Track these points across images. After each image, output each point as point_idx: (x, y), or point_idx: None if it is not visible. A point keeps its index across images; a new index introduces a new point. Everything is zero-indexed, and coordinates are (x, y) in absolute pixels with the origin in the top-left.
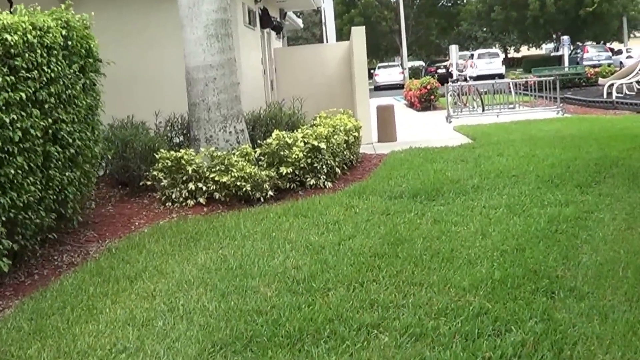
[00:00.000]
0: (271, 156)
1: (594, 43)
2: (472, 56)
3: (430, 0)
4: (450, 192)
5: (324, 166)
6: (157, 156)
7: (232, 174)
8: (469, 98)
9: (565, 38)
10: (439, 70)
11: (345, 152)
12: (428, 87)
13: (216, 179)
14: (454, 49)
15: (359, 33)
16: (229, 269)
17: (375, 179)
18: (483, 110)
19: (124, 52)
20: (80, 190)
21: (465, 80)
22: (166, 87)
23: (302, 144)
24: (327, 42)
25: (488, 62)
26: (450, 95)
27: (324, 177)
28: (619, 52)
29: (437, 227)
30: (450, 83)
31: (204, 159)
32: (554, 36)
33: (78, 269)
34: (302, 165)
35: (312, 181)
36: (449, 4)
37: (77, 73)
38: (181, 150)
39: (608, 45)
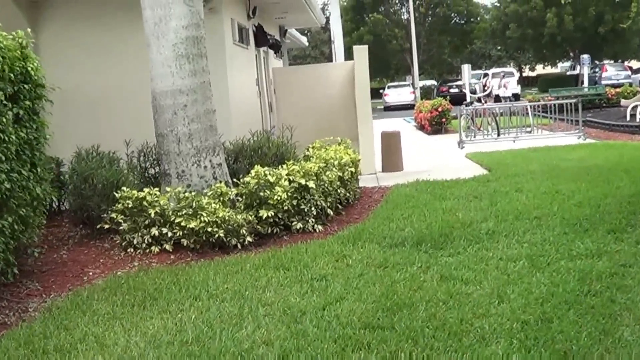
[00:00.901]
0: (250, 197)
1: (612, 61)
2: (504, 75)
3: (442, 18)
4: (461, 239)
5: (313, 208)
6: (117, 195)
7: (202, 219)
8: (483, 121)
9: (585, 57)
10: (452, 90)
11: (340, 190)
12: (439, 109)
13: (182, 224)
14: (466, 68)
15: (361, 52)
16: (184, 343)
17: (374, 220)
18: (498, 135)
19: (95, 73)
20: (14, 238)
21: (479, 100)
22: (143, 112)
23: (286, 183)
24: (335, 61)
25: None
26: (463, 119)
27: (313, 220)
28: (638, 70)
29: (444, 286)
30: (463, 106)
31: (170, 199)
32: (572, 54)
33: (7, 333)
34: (286, 208)
35: (299, 225)
36: (462, 22)
37: (5, 102)
38: (144, 189)
39: (627, 63)
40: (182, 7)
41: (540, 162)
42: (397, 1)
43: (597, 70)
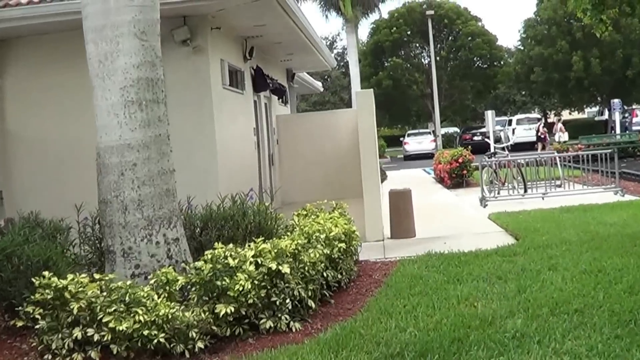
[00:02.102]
0: (204, 287)
1: None
2: (560, 119)
3: (464, 62)
4: (480, 347)
5: (288, 300)
6: (35, 282)
7: (137, 317)
8: (507, 172)
9: (616, 101)
10: (475, 138)
11: (327, 273)
12: (460, 160)
13: (111, 325)
14: (490, 114)
15: (364, 97)
16: None
17: (368, 314)
18: (525, 191)
19: (60, 121)
20: None
21: (504, 150)
22: None
23: (252, 268)
24: (354, 106)
25: (527, 128)
26: (486, 172)
27: (288, 316)
28: None
29: None
30: (485, 158)
31: (106, 288)
32: (599, 99)
33: None
34: (251, 301)
35: (269, 323)
36: (485, 66)
37: None
38: (70, 275)
39: None
40: (132, 42)
41: (576, 228)
42: (417, 45)
43: (627, 115)
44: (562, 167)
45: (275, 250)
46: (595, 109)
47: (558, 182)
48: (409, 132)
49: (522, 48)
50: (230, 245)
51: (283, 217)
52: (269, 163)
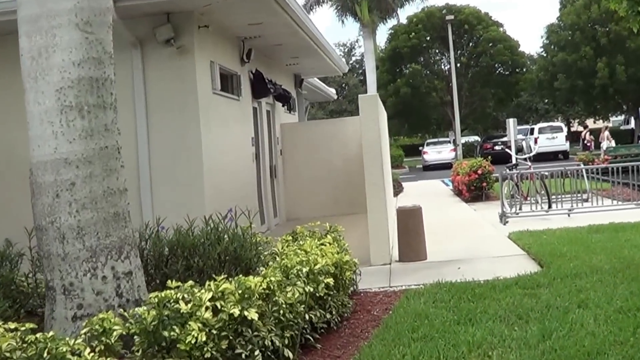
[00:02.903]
0: (148, 338)
1: None
2: (607, 127)
3: (485, 68)
4: None
5: (257, 351)
6: None
7: None
8: (530, 185)
9: None
10: (496, 147)
11: (312, 314)
12: (479, 171)
13: None
14: (511, 122)
15: (368, 103)
16: None
17: None
18: (549, 206)
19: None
20: None
21: (527, 160)
22: None
23: (209, 315)
24: None
25: (550, 137)
26: (506, 186)
27: None
28: None
29: None
30: (506, 170)
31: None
32: (625, 107)
33: None
34: (209, 355)
35: None
36: (507, 73)
37: None
38: None
39: None
40: (73, 34)
41: (608, 252)
42: (436, 51)
43: None
44: (589, 180)
45: (241, 291)
46: (621, 117)
47: (585, 196)
48: (428, 141)
49: (544, 54)
50: (189, 284)
51: (271, 240)
52: (270, 176)
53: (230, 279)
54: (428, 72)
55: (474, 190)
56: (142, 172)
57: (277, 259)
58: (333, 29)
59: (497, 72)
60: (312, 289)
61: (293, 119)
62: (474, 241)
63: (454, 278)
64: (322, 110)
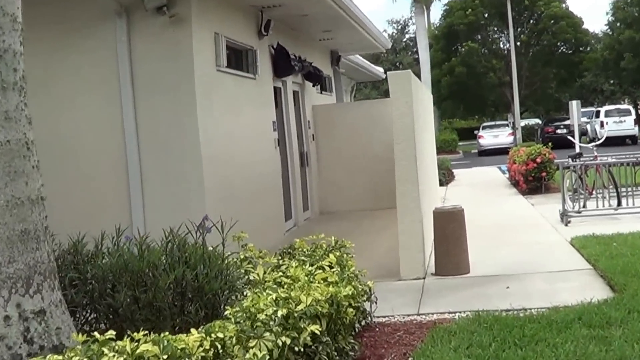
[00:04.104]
0: None
1: None
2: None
3: (547, 47)
4: None
5: None
6: None
7: None
8: (596, 177)
9: None
10: (559, 131)
11: None
12: (538, 160)
13: None
14: (574, 105)
15: (400, 81)
16: None
17: None
18: (619, 203)
19: None
20: None
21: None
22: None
23: None
24: None
25: (617, 120)
26: (568, 178)
27: None
28: None
29: None
30: (568, 160)
31: None
32: None
33: None
34: None
35: None
36: (570, 52)
37: None
38: None
39: None
40: None
41: None
42: (495, 28)
43: None
44: None
45: (167, 356)
46: None
47: None
48: (484, 124)
49: (610, 32)
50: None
51: (267, 255)
52: (300, 164)
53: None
54: (485, 50)
55: (532, 181)
56: (130, 165)
57: (249, 295)
58: (385, 5)
59: (560, 51)
60: (289, 341)
61: (329, 100)
62: (529, 248)
63: (500, 303)
64: (375, 90)
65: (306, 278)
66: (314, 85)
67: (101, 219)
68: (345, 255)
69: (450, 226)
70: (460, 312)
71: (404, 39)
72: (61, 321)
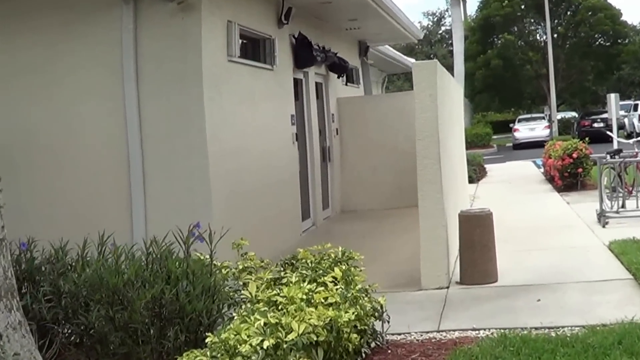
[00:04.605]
0: None
1: None
2: None
3: (584, 39)
4: None
5: None
6: None
7: None
8: (636, 174)
9: None
10: (595, 125)
11: None
12: (574, 155)
13: None
14: (612, 98)
15: (424, 72)
16: None
17: None
18: None
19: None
20: None
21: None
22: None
23: None
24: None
25: None
26: (606, 176)
27: None
28: None
29: None
30: (607, 157)
31: None
32: None
33: None
34: None
35: None
36: (607, 44)
37: None
38: None
39: None
40: None
41: None
42: (531, 20)
43: None
44: None
45: None
46: None
47: None
48: (520, 117)
49: None
50: None
51: (270, 264)
52: (323, 159)
53: None
54: (522, 42)
55: (568, 177)
56: (132, 161)
57: (235, 319)
58: None
59: (597, 43)
60: None
61: (356, 92)
62: (563, 253)
63: (529, 319)
64: (408, 81)
65: (304, 297)
66: (339, 77)
67: (100, 219)
68: (352, 269)
69: (476, 231)
70: (484, 330)
71: (440, 31)
72: (20, 346)
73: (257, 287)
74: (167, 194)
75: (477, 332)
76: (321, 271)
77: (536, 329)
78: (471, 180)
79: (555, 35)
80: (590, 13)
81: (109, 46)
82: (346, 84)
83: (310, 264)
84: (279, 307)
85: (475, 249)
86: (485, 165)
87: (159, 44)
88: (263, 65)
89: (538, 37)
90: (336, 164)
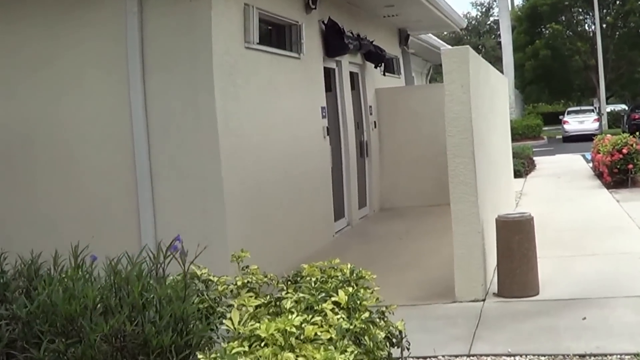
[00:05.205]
0: None
1: None
2: None
3: (634, 30)
4: None
5: None
6: None
7: None
8: None
9: None
10: None
11: None
12: (624, 150)
13: None
14: None
15: (456, 59)
16: None
17: None
18: None
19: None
20: None
21: None
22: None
23: None
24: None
25: None
26: None
27: None
28: None
29: None
30: None
31: None
32: None
33: None
34: None
35: None
36: None
37: None
38: None
39: None
40: None
41: None
42: (580, 10)
43: None
44: None
45: None
46: None
47: None
48: (570, 109)
49: None
50: None
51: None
52: (361, 155)
53: None
54: (570, 33)
55: (618, 174)
56: (138, 158)
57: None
58: None
59: None
60: None
61: (397, 83)
62: (613, 260)
63: (572, 344)
64: None
65: (294, 331)
66: (376, 67)
67: (105, 221)
68: (363, 290)
69: (515, 238)
70: (521, 356)
71: (488, 22)
72: None
73: (240, 319)
74: (177, 195)
75: (512, 358)
76: (323, 294)
77: (580, 357)
78: (519, 174)
79: (604, 25)
80: None
81: (112, 31)
82: (384, 74)
83: (313, 284)
84: (263, 344)
85: (514, 258)
86: (535, 158)
87: (167, 29)
88: (288, 53)
89: (587, 27)
90: (374, 159)
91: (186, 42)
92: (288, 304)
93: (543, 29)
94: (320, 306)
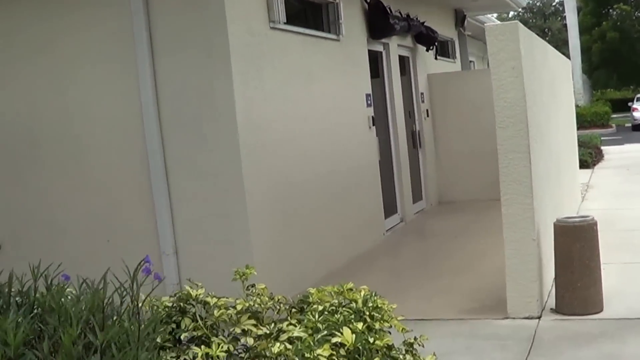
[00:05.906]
0: None
1: None
2: None
3: None
4: None
5: None
6: None
7: None
8: None
9: None
10: None
11: None
12: None
13: None
14: None
15: (504, 36)
16: None
17: None
18: None
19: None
20: None
21: None
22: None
23: None
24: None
25: None
26: None
27: None
28: None
29: None
30: None
31: None
32: None
33: None
34: None
35: None
36: None
37: None
38: None
39: None
40: None
41: None
42: None
43: None
44: None
45: None
46: None
47: None
48: (639, 95)
49: None
50: None
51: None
52: (414, 146)
53: None
54: (639, 14)
55: None
56: (151, 154)
57: None
58: None
59: None
60: None
61: (452, 68)
62: None
63: None
64: None
65: None
66: (427, 50)
67: (118, 223)
68: (378, 323)
69: (576, 246)
70: None
71: (553, 3)
72: None
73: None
74: (194, 194)
75: None
76: (327, 331)
77: None
78: (586, 164)
79: None
80: None
81: (116, 11)
82: (436, 58)
83: (318, 316)
84: None
85: (575, 269)
86: (603, 148)
87: (177, 7)
88: (324, 35)
89: None
90: (429, 150)
91: (198, 21)
92: (275, 349)
93: (610, 10)
94: (312, 354)
